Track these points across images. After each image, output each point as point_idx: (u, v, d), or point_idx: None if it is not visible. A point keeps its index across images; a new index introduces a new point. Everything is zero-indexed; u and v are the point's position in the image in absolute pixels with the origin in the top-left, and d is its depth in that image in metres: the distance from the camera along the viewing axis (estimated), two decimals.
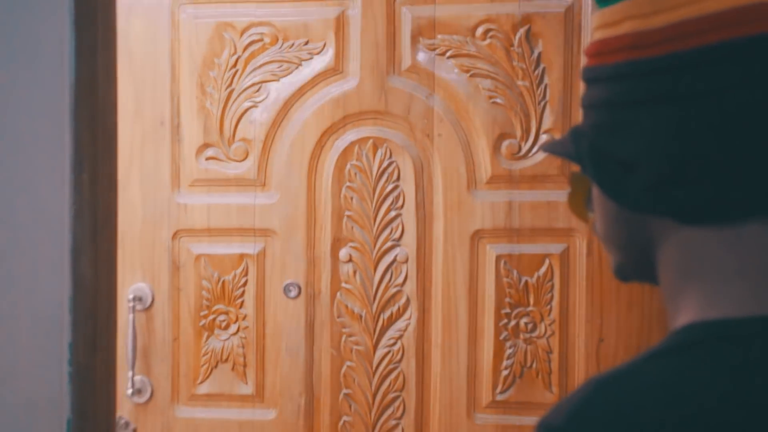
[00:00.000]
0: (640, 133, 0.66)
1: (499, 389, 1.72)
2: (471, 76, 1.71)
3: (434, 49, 1.71)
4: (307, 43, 1.75)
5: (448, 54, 1.71)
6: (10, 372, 0.79)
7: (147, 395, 1.79)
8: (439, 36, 1.71)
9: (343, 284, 1.76)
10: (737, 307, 0.66)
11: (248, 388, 1.79)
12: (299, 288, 1.76)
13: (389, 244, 1.74)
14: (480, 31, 1.70)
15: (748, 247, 0.66)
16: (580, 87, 1.50)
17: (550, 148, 0.75)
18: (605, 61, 0.68)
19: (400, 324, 1.75)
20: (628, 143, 0.66)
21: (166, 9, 1.78)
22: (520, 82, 1.69)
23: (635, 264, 0.73)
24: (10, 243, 0.79)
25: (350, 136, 1.75)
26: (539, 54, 1.69)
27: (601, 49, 0.69)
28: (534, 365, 1.71)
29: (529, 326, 1.71)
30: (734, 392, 0.63)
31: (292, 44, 1.75)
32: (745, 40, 0.63)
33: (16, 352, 0.80)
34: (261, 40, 1.76)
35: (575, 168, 0.72)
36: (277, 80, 1.76)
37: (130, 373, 1.75)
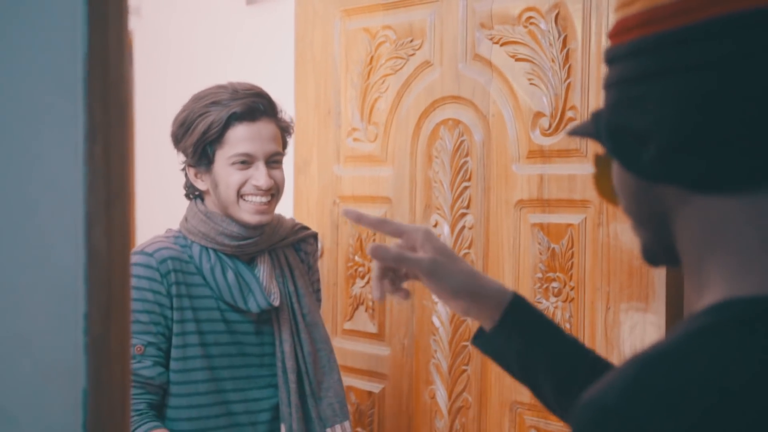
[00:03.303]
0: (652, 105, 0.84)
1: None
2: (516, 60, 2.47)
3: (491, 39, 2.52)
4: (411, 40, 2.72)
5: (501, 42, 2.50)
6: (25, 343, 0.96)
7: None
8: (496, 26, 2.51)
9: None
10: None
11: (374, 328, 2.84)
12: None
13: (461, 212, 2.61)
14: (523, 18, 2.45)
15: None
16: (597, 67, 2.22)
17: (574, 130, 0.95)
18: (622, 40, 0.88)
19: None
20: (642, 116, 0.85)
21: (335, 20, 2.92)
22: (550, 64, 2.40)
23: (658, 242, 0.92)
24: (25, 215, 0.95)
25: (436, 118, 2.66)
26: (564, 37, 2.37)
27: (618, 29, 0.89)
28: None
29: (556, 290, 2.40)
30: None
31: (403, 42, 2.74)
32: (750, 12, 0.80)
33: (30, 324, 0.96)
34: (386, 41, 2.78)
35: (599, 150, 0.94)
36: (394, 73, 2.77)
37: None
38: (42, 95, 0.95)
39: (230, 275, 2.21)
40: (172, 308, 2.15)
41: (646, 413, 0.76)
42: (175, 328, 2.16)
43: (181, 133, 2.21)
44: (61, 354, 0.96)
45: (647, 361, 0.80)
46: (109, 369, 1.00)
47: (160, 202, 3.80)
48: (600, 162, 0.96)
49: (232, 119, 2.17)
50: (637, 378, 0.79)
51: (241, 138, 2.17)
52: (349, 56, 2.91)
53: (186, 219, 2.28)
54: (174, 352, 2.16)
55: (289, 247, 2.39)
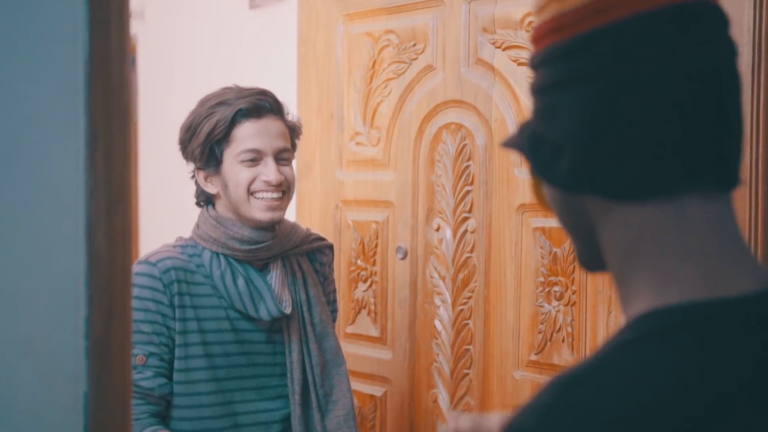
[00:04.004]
0: (563, 115, 0.82)
1: (535, 350, 2.46)
2: (519, 64, 2.48)
3: (494, 43, 2.52)
4: (414, 45, 2.73)
5: (503, 46, 2.50)
6: (27, 347, 0.97)
7: None
8: (498, 31, 2.52)
9: (434, 249, 2.68)
10: (691, 291, 0.80)
11: (376, 332, 2.84)
12: (405, 251, 2.74)
13: (463, 216, 2.62)
14: (525, 22, 2.46)
15: (690, 225, 0.81)
16: None
17: (505, 141, 0.94)
18: (539, 47, 0.86)
19: (471, 286, 2.61)
20: (556, 126, 0.83)
21: (338, 24, 2.92)
22: None
23: (590, 251, 0.89)
24: (27, 220, 0.96)
25: (439, 122, 2.67)
26: None
27: (535, 36, 0.87)
28: (561, 331, 2.40)
29: (558, 294, 2.41)
30: (709, 380, 0.76)
31: (405, 46, 2.74)
32: (651, 13, 0.79)
33: (32, 328, 0.97)
34: (388, 45, 2.79)
35: None
36: (397, 77, 2.77)
37: None
38: (43, 101, 0.96)
39: (241, 282, 2.18)
40: (174, 319, 2.13)
41: None
42: (178, 339, 2.13)
43: (187, 137, 2.19)
44: (63, 358, 0.97)
45: (565, 382, 0.79)
46: (110, 372, 1.01)
47: (164, 206, 3.81)
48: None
49: (239, 116, 2.15)
50: (554, 400, 0.77)
51: (248, 134, 2.15)
52: (352, 60, 2.92)
53: (197, 225, 2.25)
54: (176, 363, 2.13)
55: (303, 256, 2.35)
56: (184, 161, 2.26)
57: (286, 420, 2.25)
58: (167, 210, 3.65)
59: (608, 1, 0.79)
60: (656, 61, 0.78)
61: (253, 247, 2.20)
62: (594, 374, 0.78)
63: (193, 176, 2.26)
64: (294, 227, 2.33)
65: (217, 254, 2.20)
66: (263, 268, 2.25)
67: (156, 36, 3.99)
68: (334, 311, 2.47)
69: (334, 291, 2.49)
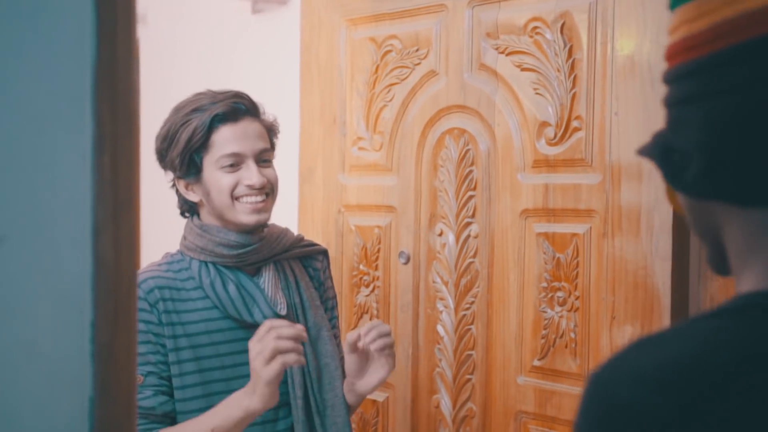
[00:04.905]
0: (692, 127, 0.90)
1: (537, 356, 2.46)
2: (522, 70, 2.48)
3: (497, 48, 2.53)
4: (417, 50, 2.73)
5: (506, 51, 2.51)
6: (33, 351, 0.97)
7: None
8: (502, 36, 2.52)
9: (437, 254, 2.68)
10: None
11: None
12: (408, 256, 2.74)
13: (466, 221, 2.62)
14: (529, 28, 2.46)
15: None
16: (602, 77, 2.23)
17: (640, 150, 1.01)
18: (671, 64, 0.95)
19: (473, 291, 2.61)
20: (684, 137, 0.91)
21: (340, 29, 2.93)
22: (555, 74, 2.40)
23: (718, 254, 0.97)
24: (33, 224, 0.97)
25: (442, 127, 2.67)
26: (570, 47, 2.37)
27: (668, 54, 0.95)
28: (564, 336, 2.40)
29: (561, 300, 2.41)
30: (757, 359, 0.81)
31: (408, 51, 2.75)
32: None
33: (38, 331, 0.97)
34: (391, 50, 2.79)
35: None
36: (400, 82, 2.77)
37: None
38: (50, 104, 0.96)
39: (231, 287, 2.15)
40: (165, 336, 2.09)
41: (618, 383, 0.83)
42: (171, 356, 2.09)
43: (165, 147, 2.15)
44: (68, 362, 0.98)
45: (645, 338, 0.87)
46: (116, 377, 1.01)
47: (165, 211, 3.81)
48: None
49: (215, 122, 2.11)
50: (627, 351, 0.86)
51: (227, 139, 2.12)
52: (355, 65, 2.92)
53: (184, 237, 2.23)
54: (174, 381, 2.10)
55: (296, 260, 2.32)
56: (166, 174, 2.22)
57: (291, 428, 2.22)
58: (167, 215, 3.64)
59: (731, 26, 0.86)
60: None
61: (241, 251, 2.17)
62: (663, 335, 0.87)
63: (173, 185, 2.22)
64: (284, 231, 2.30)
65: (206, 263, 2.17)
66: (255, 273, 2.22)
67: (158, 40, 3.99)
68: (334, 318, 2.42)
69: (334, 297, 2.45)
